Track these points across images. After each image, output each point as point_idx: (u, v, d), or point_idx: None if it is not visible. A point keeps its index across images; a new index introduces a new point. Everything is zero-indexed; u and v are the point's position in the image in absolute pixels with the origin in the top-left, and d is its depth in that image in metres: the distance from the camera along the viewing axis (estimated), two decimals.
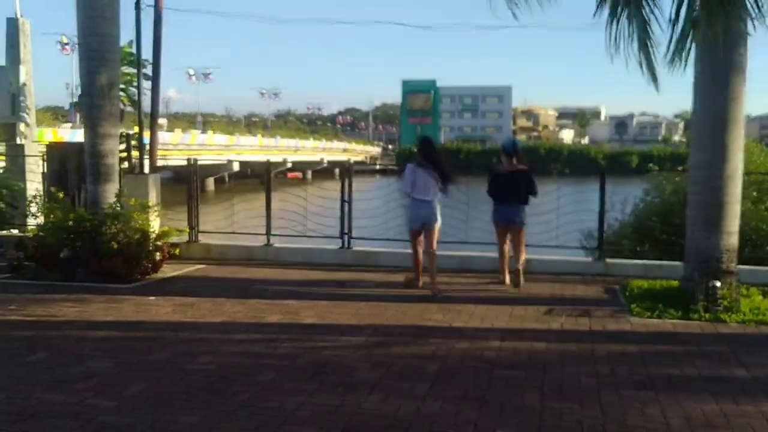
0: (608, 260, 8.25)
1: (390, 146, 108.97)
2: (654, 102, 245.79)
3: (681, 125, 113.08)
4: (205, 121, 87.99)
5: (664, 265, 7.99)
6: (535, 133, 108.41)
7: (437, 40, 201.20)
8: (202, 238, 9.48)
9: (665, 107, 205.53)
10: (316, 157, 75.58)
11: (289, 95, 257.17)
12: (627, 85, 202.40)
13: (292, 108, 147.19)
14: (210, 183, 51.15)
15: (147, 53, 11.20)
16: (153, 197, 8.78)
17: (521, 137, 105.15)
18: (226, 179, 56.34)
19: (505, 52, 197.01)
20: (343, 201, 8.87)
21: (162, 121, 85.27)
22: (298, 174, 69.55)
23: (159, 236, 8.14)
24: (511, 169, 7.68)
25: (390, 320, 5.93)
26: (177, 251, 8.69)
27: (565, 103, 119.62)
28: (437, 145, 7.95)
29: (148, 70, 11.36)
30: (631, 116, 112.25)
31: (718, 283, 6.08)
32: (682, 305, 6.15)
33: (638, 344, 5.22)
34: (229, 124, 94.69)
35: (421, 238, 7.26)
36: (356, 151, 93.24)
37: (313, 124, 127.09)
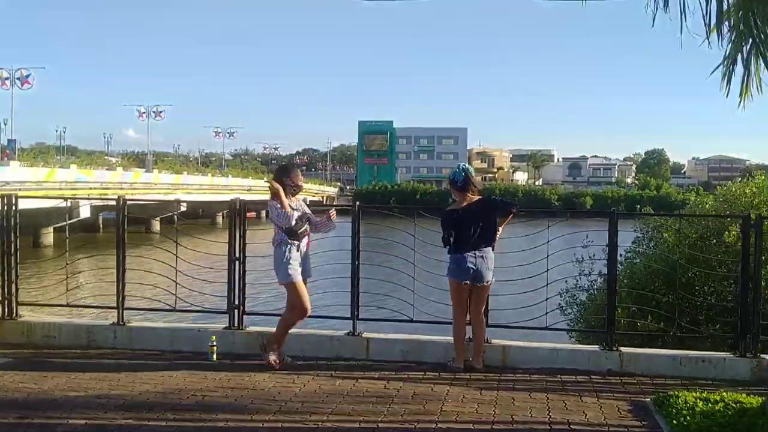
0: (623, 350, 5.55)
1: (348, 186, 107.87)
2: (604, 146, 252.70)
3: (633, 168, 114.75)
4: (159, 160, 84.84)
5: (706, 357, 5.37)
6: (489, 175, 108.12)
7: (394, 81, 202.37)
8: (27, 313, 6.41)
9: (616, 151, 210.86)
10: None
11: (246, 135, 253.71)
12: (579, 129, 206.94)
13: (250, 148, 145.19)
14: (156, 224, 47.43)
15: None
16: None
17: (476, 179, 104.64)
18: (174, 219, 53.63)
19: (459, 95, 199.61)
20: (231, 260, 5.98)
21: (114, 159, 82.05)
22: (253, 214, 67.14)
23: None
24: (468, 202, 5.47)
25: None
26: None
27: (518, 146, 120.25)
28: None
29: None
30: (585, 158, 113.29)
31: None
32: None
33: None
34: (184, 163, 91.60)
35: None
36: (312, 191, 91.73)
37: (270, 164, 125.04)
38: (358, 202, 5.99)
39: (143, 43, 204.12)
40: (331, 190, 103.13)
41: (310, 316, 5.80)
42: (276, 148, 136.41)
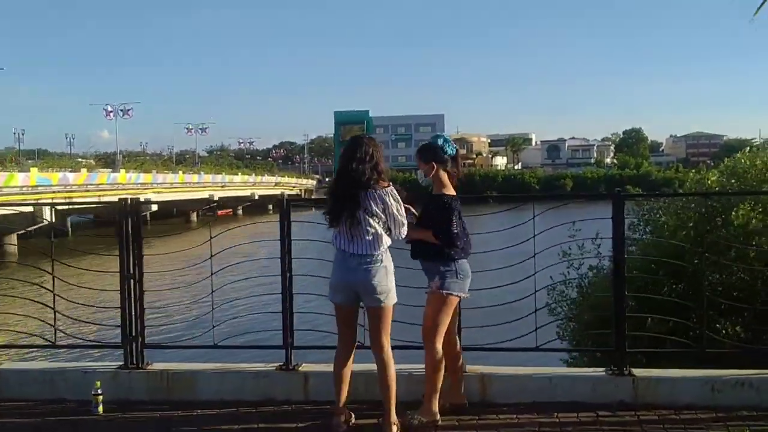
0: (638, 373, 4.23)
1: (327, 179, 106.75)
2: (583, 127, 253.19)
3: (612, 148, 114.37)
4: (132, 160, 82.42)
5: (746, 379, 4.08)
6: (469, 161, 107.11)
7: (369, 71, 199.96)
8: None
9: (594, 131, 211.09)
10: (246, 192, 72.16)
11: (221, 131, 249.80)
12: (556, 111, 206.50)
13: (226, 144, 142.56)
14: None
15: None
16: None
17: None
18: (148, 220, 51.99)
19: (436, 82, 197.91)
20: (125, 277, 4.55)
21: (86, 161, 79.47)
22: (229, 211, 65.63)
23: None
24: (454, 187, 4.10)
25: None
26: None
27: (496, 131, 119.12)
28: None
29: None
30: (563, 140, 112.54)
31: None
32: None
33: None
34: (158, 162, 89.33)
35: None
36: (290, 184, 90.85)
37: (245, 159, 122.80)
38: (285, 194, 4.59)
39: (111, 41, 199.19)
40: (309, 183, 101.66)
41: (227, 347, 4.42)
42: (251, 143, 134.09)
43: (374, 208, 3.73)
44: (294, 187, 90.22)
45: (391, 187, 3.81)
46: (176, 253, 4.96)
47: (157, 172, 65.98)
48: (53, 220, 11.65)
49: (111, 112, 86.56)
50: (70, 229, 45.06)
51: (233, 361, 4.77)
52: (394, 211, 3.77)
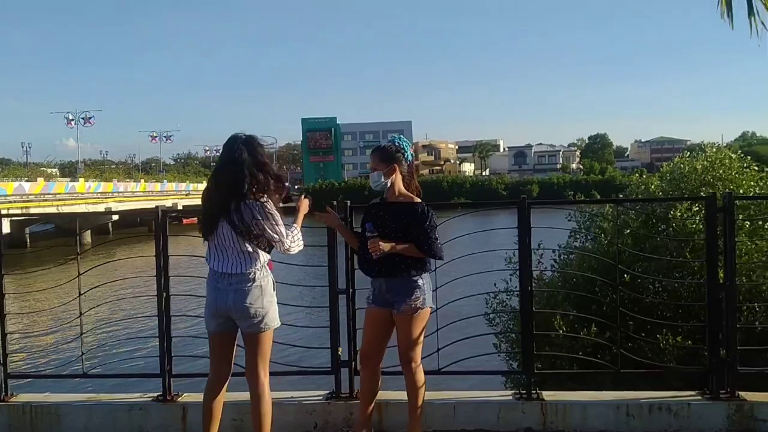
0: (547, 396, 3.85)
1: (297, 186, 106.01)
2: (549, 133, 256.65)
3: (577, 153, 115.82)
4: (96, 168, 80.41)
5: (663, 403, 3.73)
6: (437, 167, 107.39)
7: (337, 78, 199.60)
8: None
9: (561, 138, 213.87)
10: None
11: (189, 139, 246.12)
12: (523, 118, 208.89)
13: (193, 152, 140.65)
14: (87, 236, 44.04)
15: None
16: None
17: (424, 171, 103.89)
18: (110, 229, 50.46)
19: (404, 88, 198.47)
20: None
21: (52, 170, 77.31)
22: (194, 219, 64.40)
23: None
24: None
25: None
26: None
27: (464, 137, 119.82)
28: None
29: None
30: (530, 147, 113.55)
31: None
32: None
33: None
34: (120, 170, 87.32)
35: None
36: None
37: (211, 167, 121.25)
38: (162, 205, 4.11)
39: (72, 46, 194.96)
40: None
41: (98, 376, 3.90)
42: (218, 150, 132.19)
43: (247, 221, 3.27)
44: None
45: (267, 199, 3.33)
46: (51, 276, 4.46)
47: (118, 181, 64.78)
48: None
49: (72, 120, 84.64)
50: (28, 240, 43.65)
51: (109, 391, 4.27)
52: (267, 228, 3.30)
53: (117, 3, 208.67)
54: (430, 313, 3.56)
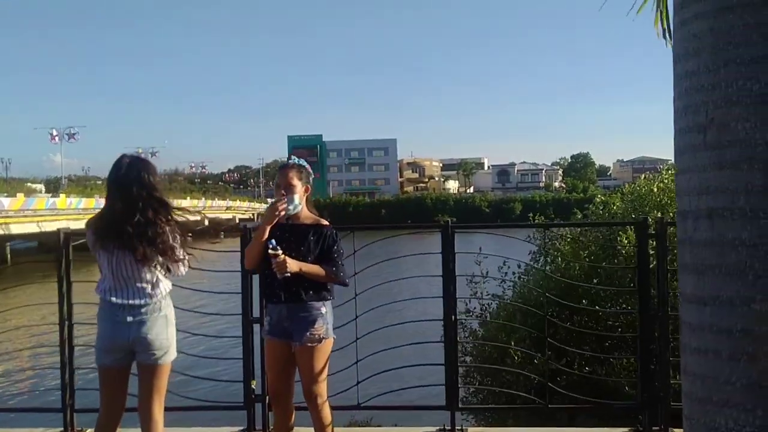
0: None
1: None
2: (533, 151, 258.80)
3: (560, 172, 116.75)
4: (81, 184, 79.69)
5: None
6: (421, 184, 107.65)
7: (323, 95, 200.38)
8: None
9: (544, 156, 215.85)
10: (196, 217, 70.35)
11: (176, 156, 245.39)
12: (508, 137, 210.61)
13: (180, 168, 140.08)
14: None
15: None
16: None
17: (408, 189, 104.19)
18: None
19: (390, 107, 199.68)
20: None
21: (38, 186, 76.45)
22: None
23: None
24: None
25: None
26: None
27: (449, 155, 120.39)
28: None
29: None
30: (513, 165, 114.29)
31: None
32: None
33: None
34: (103, 186, 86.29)
35: None
36: (242, 208, 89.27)
37: (202, 183, 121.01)
38: (60, 230, 3.85)
39: (60, 61, 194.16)
40: (262, 208, 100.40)
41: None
42: (203, 166, 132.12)
43: (153, 244, 3.04)
44: (246, 211, 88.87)
45: (167, 220, 3.12)
46: None
47: (100, 197, 63.85)
48: None
49: (56, 136, 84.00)
50: (9, 256, 42.76)
51: (10, 425, 3.99)
52: (176, 245, 3.09)
53: (104, 16, 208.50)
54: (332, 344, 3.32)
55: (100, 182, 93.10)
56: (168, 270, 3.13)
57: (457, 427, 3.60)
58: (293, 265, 3.15)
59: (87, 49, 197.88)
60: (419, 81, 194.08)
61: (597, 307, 5.01)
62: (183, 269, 3.16)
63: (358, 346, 3.65)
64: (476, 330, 6.55)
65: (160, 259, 3.07)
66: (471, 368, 5.48)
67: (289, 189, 3.28)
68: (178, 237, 3.13)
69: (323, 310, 3.25)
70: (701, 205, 2.04)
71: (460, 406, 3.66)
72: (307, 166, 3.48)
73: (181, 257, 3.13)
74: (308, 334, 3.19)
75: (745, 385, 1.94)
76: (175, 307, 3.19)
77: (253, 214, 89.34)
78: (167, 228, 3.09)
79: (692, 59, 2.06)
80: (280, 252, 3.14)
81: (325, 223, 3.39)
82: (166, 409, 3.19)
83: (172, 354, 3.16)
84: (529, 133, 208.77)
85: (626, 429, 3.63)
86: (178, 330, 3.19)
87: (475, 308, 6.40)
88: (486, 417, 4.35)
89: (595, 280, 6.12)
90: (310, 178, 3.44)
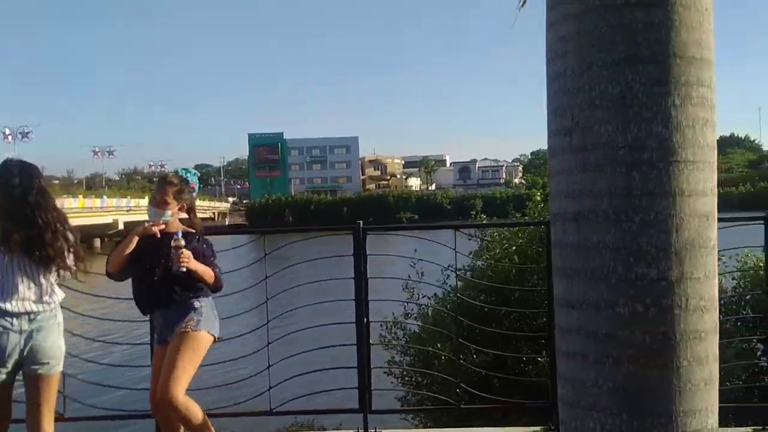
0: None
1: (245, 201, 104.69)
2: (494, 148, 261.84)
3: (520, 169, 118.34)
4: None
5: None
6: (383, 182, 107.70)
7: (285, 94, 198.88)
8: None
9: (505, 153, 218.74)
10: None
11: (135, 155, 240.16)
12: (470, 134, 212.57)
13: (139, 167, 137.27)
14: None
15: None
16: None
17: (370, 186, 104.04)
18: None
19: (351, 104, 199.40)
20: None
21: None
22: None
23: None
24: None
25: None
26: None
27: (413, 152, 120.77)
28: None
29: None
30: (474, 162, 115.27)
31: None
32: None
33: None
34: (57, 186, 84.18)
35: None
36: (202, 207, 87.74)
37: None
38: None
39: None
40: (223, 206, 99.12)
41: None
42: (162, 165, 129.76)
43: (44, 248, 2.93)
44: (207, 210, 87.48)
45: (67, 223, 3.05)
46: None
47: (56, 197, 61.65)
48: None
49: (9, 135, 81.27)
50: None
51: None
52: (66, 253, 2.99)
53: (63, 15, 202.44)
54: (214, 342, 3.22)
55: (57, 181, 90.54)
56: (58, 275, 3.03)
57: (370, 430, 3.57)
58: (192, 259, 3.10)
59: (46, 48, 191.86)
60: (381, 80, 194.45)
61: (504, 309, 5.01)
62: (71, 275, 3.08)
63: (270, 351, 3.57)
64: (415, 331, 6.53)
65: (53, 265, 2.97)
66: (405, 370, 5.45)
67: (161, 206, 3.30)
68: (70, 242, 3.03)
69: (196, 304, 3.19)
70: (569, 209, 2.04)
71: (373, 409, 3.61)
72: (192, 183, 3.40)
73: (72, 264, 3.04)
74: (176, 328, 3.13)
75: (611, 388, 1.95)
76: (72, 315, 3.08)
77: (213, 213, 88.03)
78: (59, 234, 2.98)
79: (560, 61, 2.06)
80: (183, 243, 3.10)
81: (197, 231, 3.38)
82: (70, 419, 3.07)
83: (62, 363, 3.05)
84: (491, 130, 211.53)
85: (539, 428, 3.65)
86: (84, 338, 3.09)
87: (413, 310, 6.37)
88: (410, 420, 4.32)
89: (529, 282, 6.15)
90: (193, 194, 3.44)
